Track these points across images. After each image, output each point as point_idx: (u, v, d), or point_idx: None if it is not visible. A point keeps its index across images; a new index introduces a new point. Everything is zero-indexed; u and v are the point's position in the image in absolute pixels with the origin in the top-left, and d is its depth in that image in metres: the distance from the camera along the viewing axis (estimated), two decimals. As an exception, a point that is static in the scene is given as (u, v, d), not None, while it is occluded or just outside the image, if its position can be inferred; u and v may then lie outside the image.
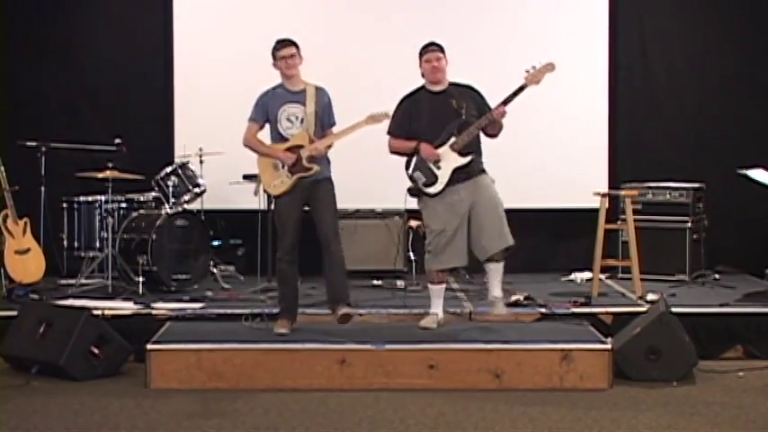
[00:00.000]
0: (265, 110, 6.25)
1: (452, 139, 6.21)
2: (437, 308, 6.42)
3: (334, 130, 6.31)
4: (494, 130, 6.27)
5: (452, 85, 6.36)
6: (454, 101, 6.24)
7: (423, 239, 6.57)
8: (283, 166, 6.18)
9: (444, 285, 6.49)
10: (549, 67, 6.19)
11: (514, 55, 8.24)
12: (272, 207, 6.61)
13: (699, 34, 8.76)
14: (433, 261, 6.34)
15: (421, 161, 6.26)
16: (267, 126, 6.30)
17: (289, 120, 6.21)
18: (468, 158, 6.20)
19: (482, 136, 6.31)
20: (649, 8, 8.82)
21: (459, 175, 6.23)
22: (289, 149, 6.17)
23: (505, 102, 6.16)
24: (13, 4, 8.58)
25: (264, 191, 6.59)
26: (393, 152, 6.39)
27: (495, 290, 6.39)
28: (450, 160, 6.22)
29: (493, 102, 6.24)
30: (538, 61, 6.19)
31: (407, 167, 6.33)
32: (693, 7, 8.80)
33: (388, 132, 6.36)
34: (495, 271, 6.37)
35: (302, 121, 6.19)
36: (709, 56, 8.73)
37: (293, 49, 6.21)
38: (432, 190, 6.26)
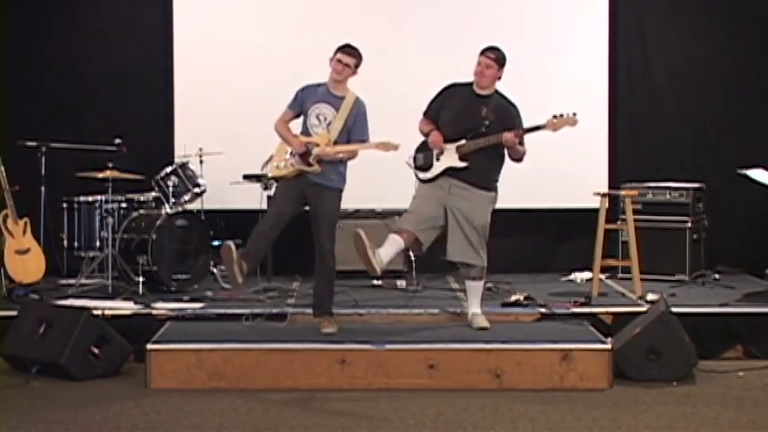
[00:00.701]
0: (301, 102, 6.32)
1: (461, 142, 6.25)
2: (384, 250, 6.15)
3: None
4: (515, 154, 6.29)
5: (498, 94, 6.35)
6: (486, 109, 6.25)
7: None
8: (293, 154, 6.25)
9: (401, 240, 6.19)
10: (572, 121, 6.21)
11: (515, 55, 8.23)
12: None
13: (699, 34, 8.75)
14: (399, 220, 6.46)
15: (427, 147, 6.36)
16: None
17: (317, 118, 6.27)
18: (463, 165, 6.23)
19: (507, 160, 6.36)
20: (649, 8, 8.81)
21: (457, 174, 6.25)
22: (306, 143, 6.23)
23: (518, 133, 6.19)
24: (13, 5, 8.57)
25: (266, 178, 6.73)
26: (419, 130, 6.47)
27: (473, 307, 6.43)
28: (448, 158, 6.28)
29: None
30: (566, 112, 6.20)
31: (417, 148, 6.47)
32: (693, 7, 8.78)
33: (424, 112, 6.46)
34: (471, 289, 6.41)
35: (329, 123, 6.23)
36: (709, 56, 8.72)
37: (350, 60, 6.23)
38: (422, 175, 6.39)
